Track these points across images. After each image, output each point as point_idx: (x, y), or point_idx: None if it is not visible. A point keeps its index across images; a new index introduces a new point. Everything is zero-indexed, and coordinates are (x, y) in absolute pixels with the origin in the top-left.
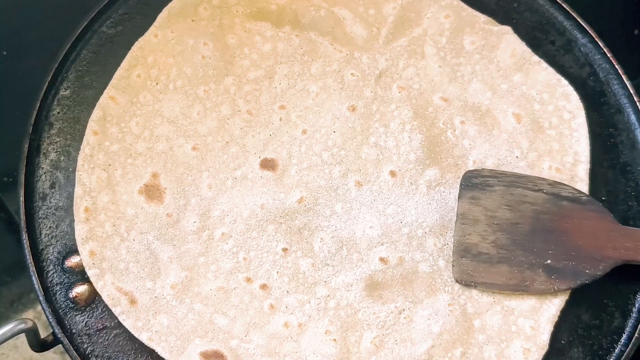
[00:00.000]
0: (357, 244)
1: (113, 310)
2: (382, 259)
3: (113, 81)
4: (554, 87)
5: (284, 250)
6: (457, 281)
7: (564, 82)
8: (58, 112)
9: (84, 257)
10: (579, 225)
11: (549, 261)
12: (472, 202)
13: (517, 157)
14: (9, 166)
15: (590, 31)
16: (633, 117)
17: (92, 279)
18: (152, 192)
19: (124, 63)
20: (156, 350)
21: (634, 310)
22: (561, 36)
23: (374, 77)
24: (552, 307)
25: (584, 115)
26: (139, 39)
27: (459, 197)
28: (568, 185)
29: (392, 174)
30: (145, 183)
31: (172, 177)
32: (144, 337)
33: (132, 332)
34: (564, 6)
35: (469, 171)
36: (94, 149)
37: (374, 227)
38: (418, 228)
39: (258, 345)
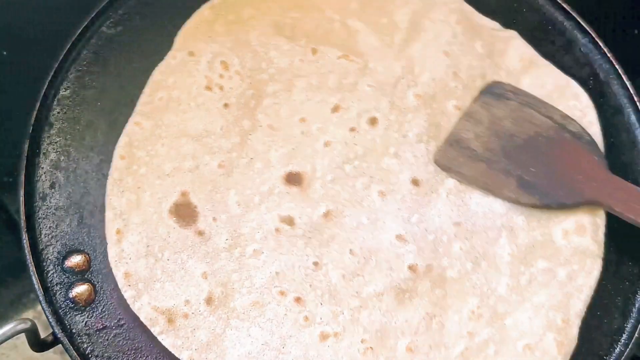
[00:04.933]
0: (385, 254)
1: (152, 330)
2: (410, 267)
3: (137, 107)
4: (563, 88)
5: (315, 264)
6: (435, 162)
7: (573, 82)
8: (58, 112)
9: (119, 280)
10: (571, 158)
11: (526, 176)
12: (483, 106)
13: None
14: (9, 166)
15: (590, 31)
16: (633, 117)
17: (128, 301)
18: (182, 210)
19: (146, 89)
20: None
21: (634, 310)
22: (561, 36)
23: (390, 86)
24: (579, 302)
25: (595, 112)
26: (159, 64)
27: (474, 99)
28: (578, 123)
29: (415, 182)
30: (175, 202)
31: (200, 195)
32: (184, 357)
33: (173, 352)
34: (564, 6)
35: (495, 81)
36: (122, 173)
37: (401, 236)
38: (443, 234)
39: (296, 357)
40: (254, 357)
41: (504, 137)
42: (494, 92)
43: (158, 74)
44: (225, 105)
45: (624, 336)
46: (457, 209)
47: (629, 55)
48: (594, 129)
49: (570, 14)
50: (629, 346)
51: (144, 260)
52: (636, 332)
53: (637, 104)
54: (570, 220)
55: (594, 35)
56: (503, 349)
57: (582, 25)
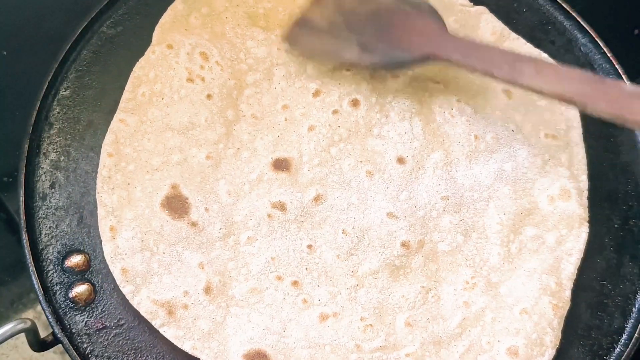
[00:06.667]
0: (377, 232)
1: (153, 323)
2: (403, 244)
3: (121, 104)
4: None
5: (309, 247)
6: (282, 39)
7: (545, 55)
8: (58, 112)
9: (116, 276)
10: (412, 24)
11: (367, 41)
12: None
13: (512, 130)
14: (9, 166)
15: (590, 31)
16: None
17: (127, 297)
18: (173, 203)
19: (128, 85)
20: (201, 358)
21: (634, 310)
22: (561, 36)
23: (369, 69)
24: (570, 265)
25: None
26: (139, 60)
27: None
28: None
29: (400, 160)
30: (166, 195)
31: (191, 187)
32: (187, 347)
33: (175, 343)
34: (564, 6)
35: None
36: (111, 170)
37: (391, 213)
38: (432, 209)
39: (297, 339)
40: (255, 342)
41: (347, 14)
42: None
43: (138, 69)
44: (208, 96)
45: (624, 336)
46: (444, 182)
47: (629, 55)
48: None
49: (570, 14)
50: (629, 346)
51: (140, 254)
52: (636, 332)
53: None
54: (555, 186)
55: (593, 35)
56: (500, 316)
57: (582, 25)
